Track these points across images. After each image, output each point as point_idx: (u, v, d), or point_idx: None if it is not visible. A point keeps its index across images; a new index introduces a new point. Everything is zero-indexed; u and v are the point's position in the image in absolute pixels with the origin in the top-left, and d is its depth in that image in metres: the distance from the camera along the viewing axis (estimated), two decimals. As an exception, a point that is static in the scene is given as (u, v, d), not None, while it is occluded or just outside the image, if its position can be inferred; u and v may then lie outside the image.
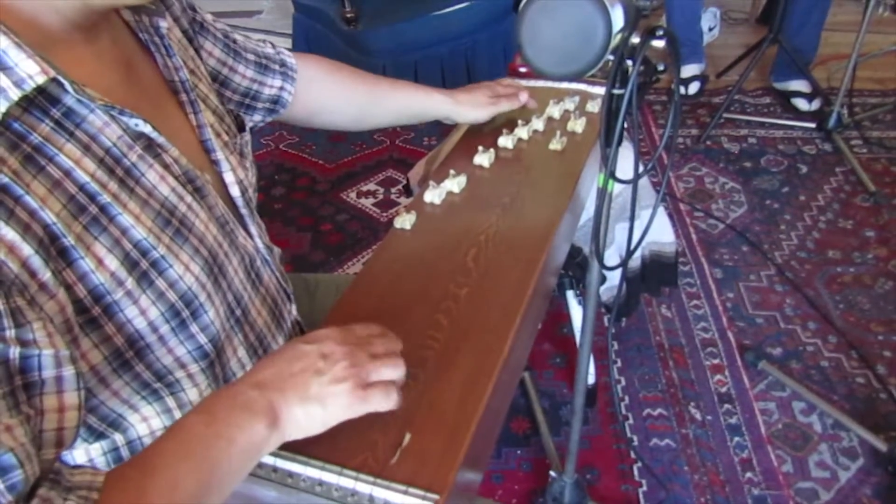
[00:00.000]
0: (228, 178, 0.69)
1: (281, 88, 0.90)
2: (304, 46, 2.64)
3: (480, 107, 1.08)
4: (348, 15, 2.35)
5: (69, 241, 0.50)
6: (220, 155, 0.68)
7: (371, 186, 2.21)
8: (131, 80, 0.62)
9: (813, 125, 2.34)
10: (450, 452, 0.63)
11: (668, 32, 0.68)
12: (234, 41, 0.84)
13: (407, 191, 1.50)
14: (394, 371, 0.60)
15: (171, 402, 0.62)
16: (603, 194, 0.88)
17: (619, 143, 0.79)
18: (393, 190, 2.19)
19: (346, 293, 0.81)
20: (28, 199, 0.48)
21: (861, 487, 1.35)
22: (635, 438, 1.46)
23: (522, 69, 1.35)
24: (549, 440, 1.43)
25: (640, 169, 0.81)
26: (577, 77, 0.60)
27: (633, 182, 0.82)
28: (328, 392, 0.56)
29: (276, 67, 0.89)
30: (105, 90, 0.56)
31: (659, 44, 0.70)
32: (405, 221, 0.92)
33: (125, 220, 0.54)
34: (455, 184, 0.98)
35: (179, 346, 0.60)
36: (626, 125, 0.77)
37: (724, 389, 1.55)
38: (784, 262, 1.86)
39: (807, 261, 1.87)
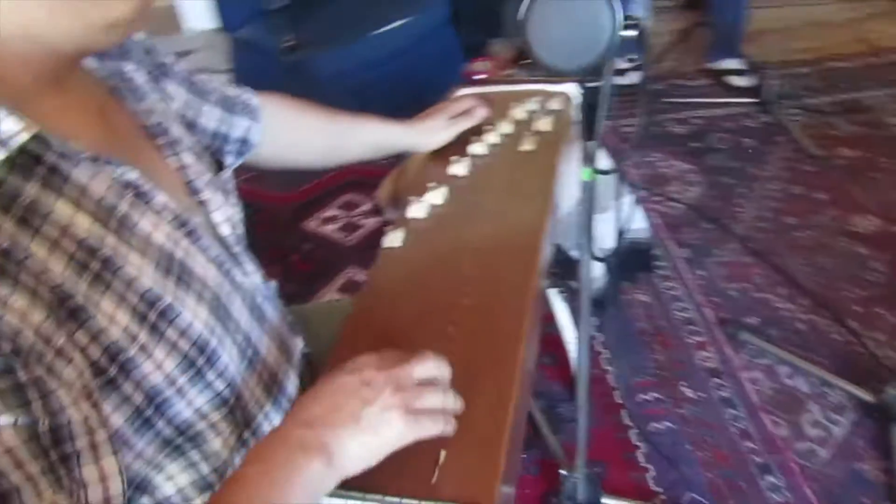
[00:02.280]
0: (217, 217, 0.68)
1: (248, 129, 0.88)
2: (245, 81, 2.58)
3: (440, 131, 1.10)
4: (289, 44, 2.33)
5: (78, 300, 0.48)
6: (206, 195, 0.67)
7: (332, 212, 2.19)
8: (108, 129, 0.60)
9: (751, 100, 2.42)
10: (489, 464, 0.63)
11: (639, 24, 0.70)
12: (198, 82, 0.82)
13: (378, 210, 1.49)
14: (441, 398, 0.59)
15: (195, 455, 0.60)
16: (588, 187, 0.89)
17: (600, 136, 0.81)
18: (355, 213, 2.17)
19: (349, 319, 0.80)
20: (30, 262, 0.46)
21: (854, 439, 1.40)
22: (634, 426, 1.47)
23: (477, 76, 1.37)
24: (553, 440, 1.43)
25: (610, 162, 0.83)
26: (585, 71, 0.61)
27: (616, 171, 0.84)
28: (380, 420, 0.54)
29: (241, 108, 0.88)
30: (85, 141, 0.54)
31: (630, 34, 0.72)
32: (395, 239, 0.91)
33: (129, 271, 0.52)
34: (438, 196, 0.98)
35: (198, 396, 0.58)
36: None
37: (711, 365, 1.58)
38: (746, 234, 1.91)
39: (767, 230, 1.92)
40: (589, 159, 0.84)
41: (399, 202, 1.43)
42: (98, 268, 0.50)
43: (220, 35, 2.62)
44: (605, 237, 1.44)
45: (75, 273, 0.49)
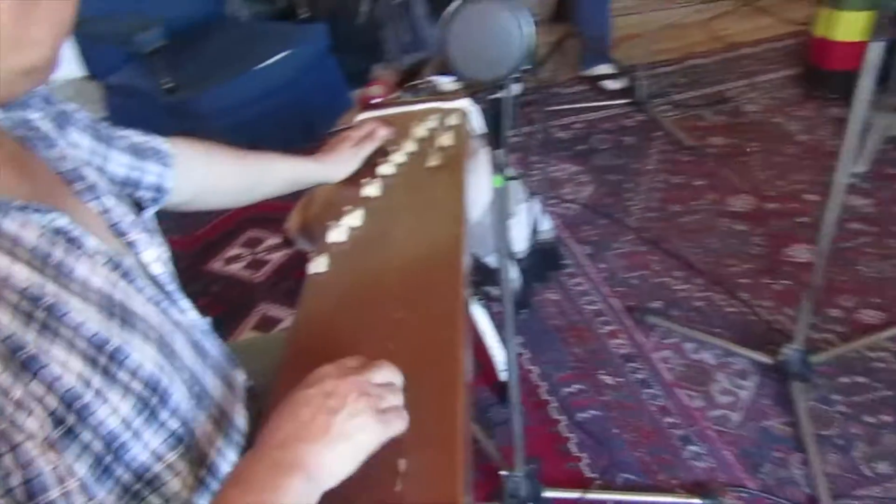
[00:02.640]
0: (147, 257, 0.67)
1: (161, 175, 0.87)
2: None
3: (347, 161, 1.12)
4: (167, 85, 2.28)
5: (29, 350, 0.47)
6: (133, 236, 0.66)
7: (236, 251, 2.15)
8: (26, 177, 0.59)
9: (625, 101, 2.58)
10: (449, 466, 0.65)
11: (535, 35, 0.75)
12: (103, 129, 0.81)
13: (288, 242, 1.49)
14: (399, 396, 0.61)
15: (155, 500, 0.59)
16: (500, 194, 0.93)
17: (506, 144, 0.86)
18: (260, 249, 2.14)
19: (288, 347, 0.80)
20: None
21: (760, 400, 1.51)
22: (563, 418, 1.53)
23: (374, 100, 1.40)
24: (488, 443, 1.46)
25: (514, 170, 0.88)
26: (501, 81, 0.65)
27: (519, 177, 0.89)
28: (351, 426, 0.56)
29: (151, 154, 0.86)
30: (7, 191, 0.53)
31: (533, 44, 0.77)
32: (319, 265, 0.92)
33: (74, 317, 0.52)
34: (355, 218, 1.00)
35: (154, 437, 0.57)
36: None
37: (624, 350, 1.67)
38: (639, 225, 2.04)
39: (657, 219, 2.06)
40: (499, 167, 0.88)
41: (310, 232, 1.43)
42: (43, 316, 0.49)
43: (89, 83, 2.52)
44: (517, 241, 1.51)
45: (22, 323, 0.48)
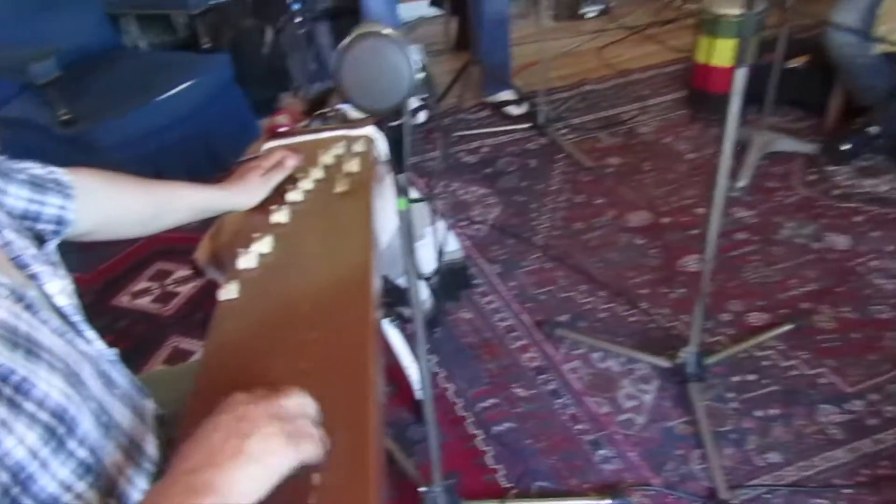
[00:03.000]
0: (51, 289, 0.67)
1: (62, 207, 0.86)
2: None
3: (256, 189, 1.13)
4: (64, 117, 2.21)
5: None
6: (35, 268, 0.66)
7: (143, 284, 2.10)
8: None
9: (527, 125, 2.70)
10: (363, 480, 0.67)
11: (425, 67, 0.80)
12: (2, 163, 0.80)
13: (198, 272, 1.47)
14: (313, 423, 0.63)
15: None
16: (404, 216, 0.98)
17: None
18: (168, 281, 2.10)
19: (199, 374, 0.80)
20: None
21: (662, 402, 1.61)
22: (480, 433, 1.57)
23: (281, 129, 1.42)
24: (406, 462, 1.49)
25: (419, 193, 0.93)
26: (392, 111, 0.69)
27: (425, 200, 0.93)
28: (263, 450, 0.57)
29: (52, 186, 0.85)
30: None
31: (421, 75, 0.82)
32: (230, 291, 0.93)
33: None
34: (264, 245, 1.02)
35: (61, 467, 0.57)
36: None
37: (536, 363, 1.73)
38: (545, 244, 2.13)
39: (561, 237, 2.15)
40: (402, 190, 0.92)
41: (220, 261, 1.43)
42: None
43: (-21, 117, 2.41)
44: (426, 261, 1.55)
45: None
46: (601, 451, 1.51)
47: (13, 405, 0.52)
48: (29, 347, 0.56)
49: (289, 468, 0.60)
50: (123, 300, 2.04)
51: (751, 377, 1.65)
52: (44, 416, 0.55)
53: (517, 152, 2.59)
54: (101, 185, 0.95)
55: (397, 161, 0.89)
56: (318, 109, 2.83)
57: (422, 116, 2.80)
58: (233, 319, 0.90)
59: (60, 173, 0.88)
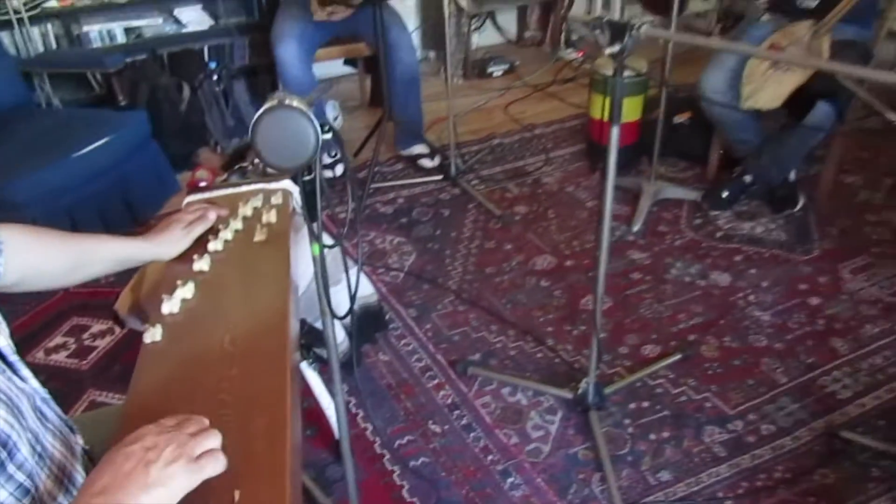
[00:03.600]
0: None
1: None
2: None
3: (179, 241, 1.19)
4: (-25, 174, 2.20)
5: None
6: None
7: (59, 340, 2.08)
8: None
9: (440, 177, 2.85)
10: (277, 491, 0.76)
11: (332, 129, 0.92)
12: None
13: (119, 323, 1.51)
14: (214, 440, 0.71)
15: None
16: (318, 261, 1.07)
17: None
18: (85, 336, 2.09)
19: (125, 412, 0.86)
20: None
21: (566, 430, 1.73)
22: (397, 468, 1.65)
23: (202, 184, 1.50)
24: (326, 501, 1.54)
25: (333, 240, 1.03)
26: (304, 168, 0.79)
27: (336, 245, 1.04)
28: (166, 474, 0.65)
29: None
30: None
31: (327, 136, 0.93)
32: (154, 335, 1.00)
33: None
34: (186, 291, 1.09)
35: (3, 489, 0.63)
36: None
37: (450, 400, 1.83)
38: (458, 288, 2.25)
39: (473, 281, 2.28)
40: (315, 237, 1.02)
41: (141, 310, 1.48)
42: None
43: None
44: (341, 305, 1.63)
45: None
46: (510, 479, 1.61)
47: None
48: None
49: (192, 486, 0.68)
50: (39, 356, 2.02)
51: (645, 404, 1.80)
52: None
53: (431, 202, 2.73)
54: (26, 238, 1.00)
55: (310, 210, 0.99)
56: (236, 164, 2.90)
57: (339, 170, 2.91)
58: (157, 361, 0.96)
59: None
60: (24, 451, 0.65)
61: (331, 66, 3.46)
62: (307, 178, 0.96)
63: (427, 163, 2.94)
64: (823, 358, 1.93)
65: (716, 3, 4.14)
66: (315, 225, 1.01)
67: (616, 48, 1.23)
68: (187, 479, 0.66)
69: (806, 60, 2.28)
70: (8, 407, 0.65)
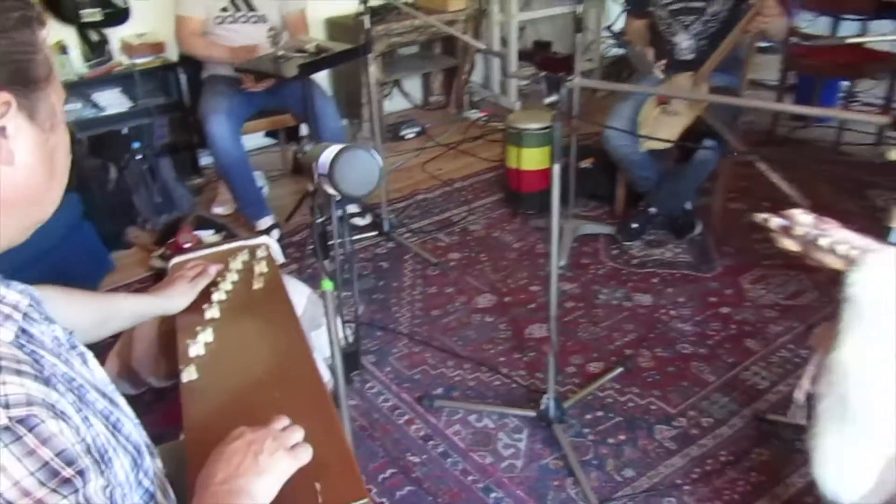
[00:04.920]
0: None
1: None
2: None
3: (186, 293, 1.30)
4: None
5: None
6: None
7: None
8: None
9: (375, 233, 3.00)
10: (351, 478, 0.88)
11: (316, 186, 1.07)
12: None
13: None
14: (300, 433, 0.84)
15: None
16: (328, 296, 1.21)
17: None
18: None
19: (189, 443, 0.96)
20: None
21: (534, 445, 1.89)
22: (385, 500, 1.74)
23: (186, 245, 1.59)
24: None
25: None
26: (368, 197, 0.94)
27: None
28: (272, 462, 0.79)
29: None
30: None
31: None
32: (191, 373, 1.09)
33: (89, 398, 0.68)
34: (207, 335, 1.19)
35: (136, 492, 0.72)
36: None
37: (422, 433, 1.95)
38: (410, 331, 2.39)
39: (423, 323, 2.43)
40: (328, 274, 1.16)
41: (132, 374, 1.55)
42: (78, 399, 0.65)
43: None
44: (324, 347, 1.74)
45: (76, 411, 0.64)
46: (493, 495, 1.74)
47: (115, 438, 0.68)
48: (107, 395, 0.72)
49: (293, 471, 0.82)
50: None
51: (599, 413, 1.99)
52: (130, 447, 0.71)
53: (369, 257, 2.87)
54: (60, 297, 1.08)
55: (322, 249, 1.13)
56: (167, 238, 2.96)
57: (275, 234, 3.00)
58: (200, 396, 1.06)
59: (31, 289, 1.01)
60: (147, 462, 0.75)
61: (254, 138, 3.58)
62: (320, 220, 1.11)
63: (360, 221, 3.09)
64: (741, 356, 2.20)
65: (599, 63, 4.61)
66: (327, 263, 1.15)
67: (554, 98, 1.46)
68: (289, 464, 0.79)
69: (693, 99, 2.64)
70: (125, 421, 0.74)
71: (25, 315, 0.65)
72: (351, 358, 1.79)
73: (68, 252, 2.61)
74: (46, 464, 0.55)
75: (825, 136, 3.74)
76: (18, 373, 0.57)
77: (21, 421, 0.55)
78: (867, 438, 0.92)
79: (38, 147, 0.66)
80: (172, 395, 1.28)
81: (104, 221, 2.97)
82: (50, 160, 0.68)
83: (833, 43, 3.28)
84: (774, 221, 0.99)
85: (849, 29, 3.87)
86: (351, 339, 1.80)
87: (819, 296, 2.46)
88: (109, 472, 0.64)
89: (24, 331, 0.64)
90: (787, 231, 0.98)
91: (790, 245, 0.98)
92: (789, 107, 3.14)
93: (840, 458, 0.94)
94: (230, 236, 2.99)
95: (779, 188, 2.55)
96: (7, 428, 0.54)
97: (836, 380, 0.91)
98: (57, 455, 0.56)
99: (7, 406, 0.55)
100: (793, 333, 2.29)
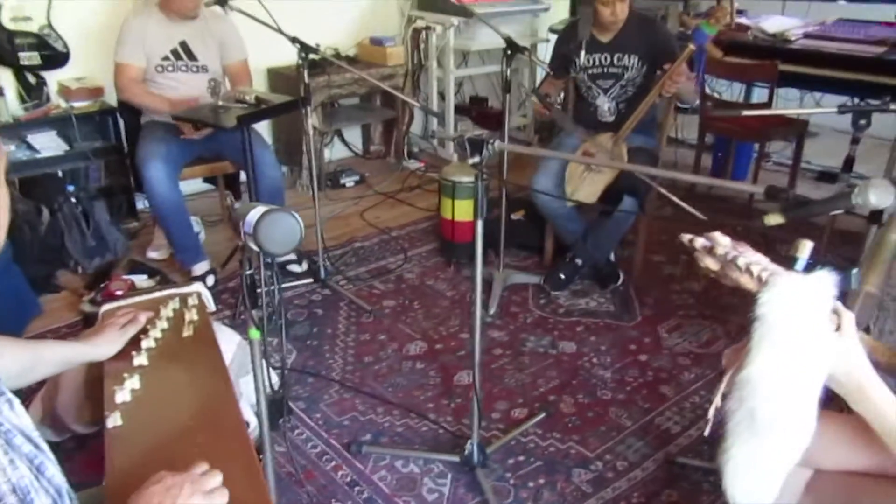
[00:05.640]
0: None
1: None
2: None
3: (115, 341, 1.34)
4: None
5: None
6: None
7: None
8: None
9: (310, 280, 3.05)
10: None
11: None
12: None
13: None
14: (218, 478, 0.89)
15: None
16: (256, 344, 1.26)
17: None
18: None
19: (110, 487, 1.00)
20: None
21: (458, 489, 1.95)
22: (309, 545, 1.77)
23: (118, 292, 1.62)
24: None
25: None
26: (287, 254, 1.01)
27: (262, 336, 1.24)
28: None
29: None
30: None
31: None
32: (116, 419, 1.13)
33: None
34: (134, 382, 1.23)
35: None
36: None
37: (349, 479, 1.99)
38: (342, 378, 2.43)
39: (354, 370, 2.48)
40: (255, 323, 1.22)
41: (56, 420, 1.56)
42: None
43: None
44: (252, 393, 1.78)
45: None
46: (416, 538, 1.79)
47: (38, 480, 0.73)
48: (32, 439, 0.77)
49: None
50: None
51: (521, 458, 2.07)
52: (52, 490, 0.75)
53: (304, 304, 2.91)
54: None
55: (250, 299, 1.19)
56: (100, 282, 2.94)
57: (210, 280, 3.02)
58: (125, 441, 1.10)
59: None
60: None
61: (192, 184, 3.61)
62: (248, 272, 1.18)
63: (296, 268, 3.14)
64: (656, 402, 2.32)
65: (532, 119, 4.83)
66: (256, 311, 1.21)
67: (477, 158, 1.57)
68: None
69: (612, 164, 2.81)
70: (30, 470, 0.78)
71: None
72: (278, 404, 1.83)
73: (-5, 295, 2.57)
74: None
75: (742, 194, 4.00)
76: None
77: None
78: (774, 449, 0.99)
79: None
80: (94, 444, 1.30)
81: (34, 264, 2.94)
82: None
83: (732, 113, 3.56)
84: (698, 241, 1.05)
85: (761, 94, 4.19)
86: (277, 386, 1.84)
87: (729, 343, 2.62)
88: None
89: None
90: (708, 251, 1.04)
91: (710, 264, 1.04)
92: (671, 173, 3.36)
93: (749, 469, 1.01)
94: (164, 281, 2.99)
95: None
96: None
97: (746, 395, 0.98)
98: None
99: None
100: (705, 380, 2.44)
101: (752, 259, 1.01)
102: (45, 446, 0.82)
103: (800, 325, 0.95)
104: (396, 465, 2.04)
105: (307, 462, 2.05)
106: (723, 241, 1.04)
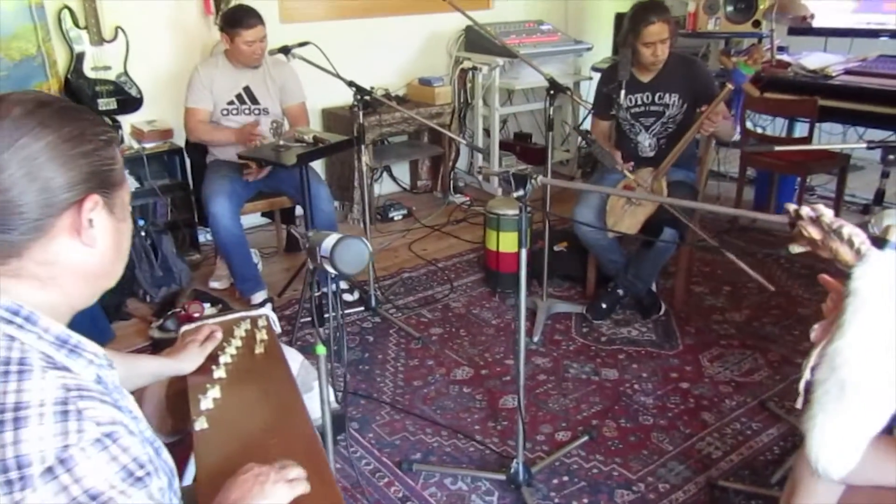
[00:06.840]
0: None
1: None
2: None
3: (195, 356, 1.49)
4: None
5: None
6: None
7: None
8: None
9: (362, 308, 3.20)
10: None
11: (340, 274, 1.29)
12: None
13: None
14: (300, 470, 1.03)
15: None
16: (320, 360, 1.40)
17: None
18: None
19: (200, 481, 1.13)
20: None
21: (504, 507, 2.05)
22: (364, 555, 1.88)
23: (195, 315, 1.78)
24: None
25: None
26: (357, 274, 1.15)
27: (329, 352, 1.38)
28: (274, 489, 0.98)
29: None
30: None
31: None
32: (202, 423, 1.28)
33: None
34: (215, 392, 1.38)
35: None
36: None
37: (401, 494, 2.10)
38: (392, 400, 2.56)
39: (405, 393, 2.60)
40: (321, 339, 1.36)
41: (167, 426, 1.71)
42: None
43: None
44: (314, 410, 1.92)
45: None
46: (465, 551, 1.88)
47: (158, 458, 0.87)
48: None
49: (291, 498, 1.02)
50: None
51: (565, 478, 2.15)
52: (167, 468, 0.89)
53: (356, 331, 3.06)
54: None
55: (318, 318, 1.34)
56: (167, 310, 3.14)
57: (267, 309, 3.19)
58: (212, 442, 1.24)
59: None
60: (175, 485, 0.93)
61: (252, 218, 3.82)
62: (316, 294, 1.32)
63: (349, 297, 3.30)
64: (697, 428, 2.38)
65: (576, 154, 4.95)
66: (321, 330, 1.35)
67: (520, 192, 1.70)
68: (287, 493, 0.98)
69: (651, 196, 2.91)
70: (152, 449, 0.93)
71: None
72: (338, 420, 1.96)
73: (74, 321, 2.78)
74: (125, 466, 0.75)
75: (783, 226, 4.03)
76: (103, 402, 0.77)
77: (108, 435, 0.75)
78: (861, 417, 1.04)
79: (112, 234, 0.87)
80: (175, 451, 1.45)
81: (108, 293, 3.14)
82: (119, 244, 0.89)
83: (765, 149, 3.62)
84: (804, 210, 1.11)
85: (804, 129, 4.24)
86: (338, 404, 1.98)
87: (771, 373, 2.66)
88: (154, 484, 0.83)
89: (98, 375, 0.84)
90: (813, 221, 1.09)
91: (814, 233, 1.10)
92: (707, 206, 3.41)
93: (835, 436, 1.05)
94: (226, 309, 3.18)
95: (739, 273, 2.78)
96: (98, 440, 0.74)
97: (837, 364, 1.03)
98: (133, 460, 0.76)
99: (99, 424, 0.75)
100: (745, 408, 2.49)
101: (855, 230, 1.07)
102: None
103: (893, 299, 1.00)
104: (445, 482, 2.15)
105: (361, 479, 2.17)
106: (827, 211, 1.10)
